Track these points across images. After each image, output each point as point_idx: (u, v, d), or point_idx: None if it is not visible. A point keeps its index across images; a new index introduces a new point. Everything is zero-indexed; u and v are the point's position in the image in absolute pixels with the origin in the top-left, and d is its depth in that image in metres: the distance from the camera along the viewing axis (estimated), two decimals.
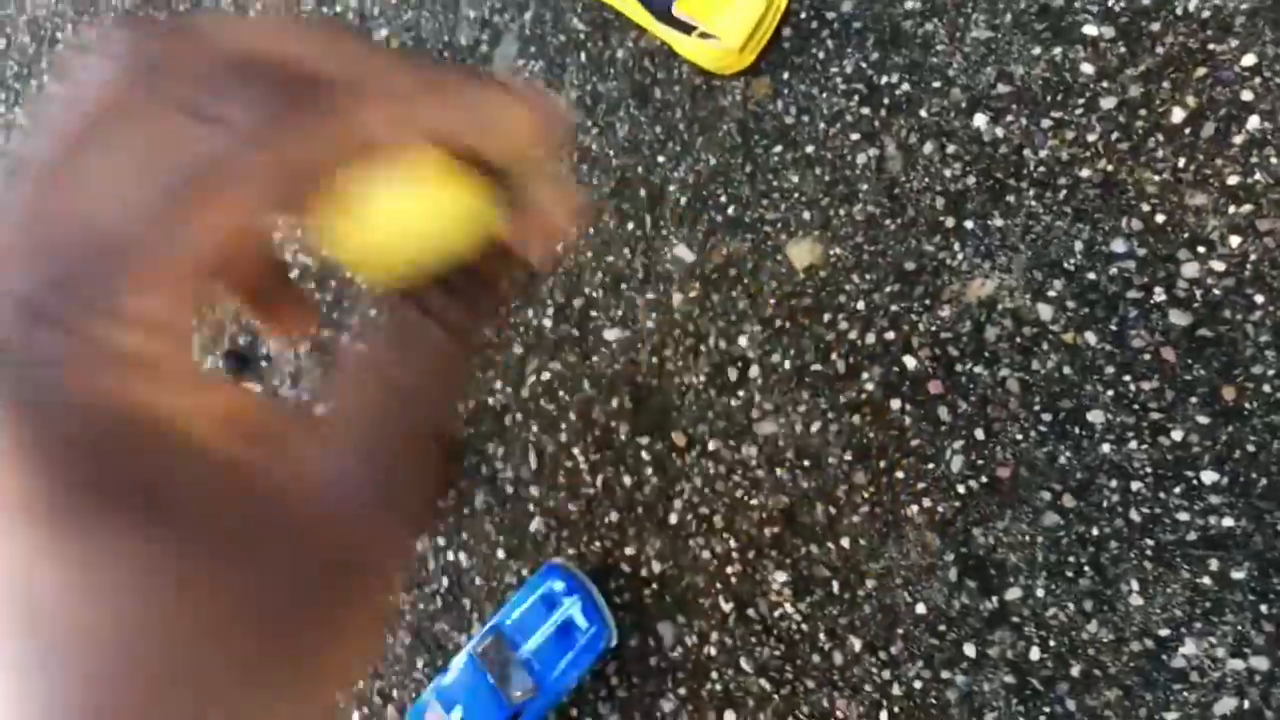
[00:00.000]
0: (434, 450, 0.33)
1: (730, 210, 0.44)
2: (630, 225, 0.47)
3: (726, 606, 0.44)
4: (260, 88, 0.24)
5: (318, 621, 0.32)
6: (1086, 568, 0.37)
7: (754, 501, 0.44)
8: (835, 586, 0.42)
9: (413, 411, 0.33)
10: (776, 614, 0.43)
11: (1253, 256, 0.34)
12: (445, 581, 0.52)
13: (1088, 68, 0.37)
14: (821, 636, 0.42)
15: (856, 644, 0.41)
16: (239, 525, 0.30)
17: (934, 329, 0.40)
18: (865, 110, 0.41)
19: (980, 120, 0.39)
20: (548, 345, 0.49)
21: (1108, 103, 0.37)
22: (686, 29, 0.43)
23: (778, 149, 0.43)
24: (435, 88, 0.28)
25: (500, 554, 0.51)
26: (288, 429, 0.33)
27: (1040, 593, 0.38)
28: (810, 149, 0.42)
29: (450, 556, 0.52)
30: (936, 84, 0.40)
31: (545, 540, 0.49)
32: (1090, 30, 0.37)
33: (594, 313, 0.48)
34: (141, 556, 0.29)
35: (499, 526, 0.51)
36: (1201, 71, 0.35)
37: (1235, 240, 0.35)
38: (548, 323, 0.49)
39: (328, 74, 0.24)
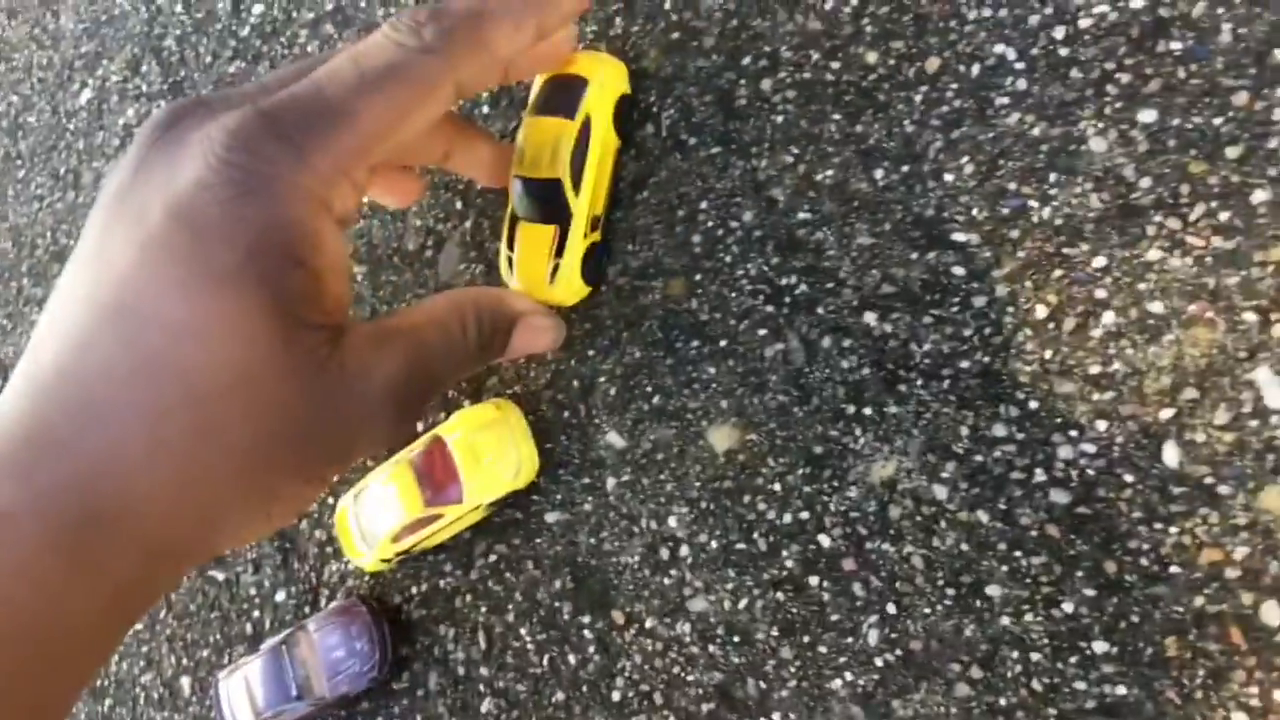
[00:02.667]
0: (419, 415, 0.38)
1: (655, 399, 0.48)
2: (565, 413, 0.50)
3: None
4: (430, 23, 0.34)
5: (326, 460, 0.34)
6: None
7: (690, 678, 0.46)
8: None
9: (425, 381, 0.37)
10: None
11: (1119, 439, 0.38)
12: None
13: (959, 270, 0.41)
14: None
15: None
16: (316, 374, 0.32)
17: (844, 509, 0.43)
18: (769, 308, 0.45)
19: (870, 317, 0.43)
20: (494, 528, 0.52)
21: (979, 300, 0.41)
22: (512, 243, 0.48)
23: (695, 343, 0.47)
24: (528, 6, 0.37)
25: None
26: (371, 329, 0.36)
27: None
28: (724, 343, 0.46)
29: None
30: (830, 285, 0.44)
31: None
32: (959, 236, 0.41)
33: (535, 496, 0.51)
34: (258, 350, 0.31)
35: (451, 708, 0.52)
36: (1059, 273, 0.39)
37: (1102, 424, 0.38)
38: (491, 509, 0.52)
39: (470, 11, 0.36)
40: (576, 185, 0.46)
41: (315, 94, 0.33)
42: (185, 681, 0.62)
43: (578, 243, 0.46)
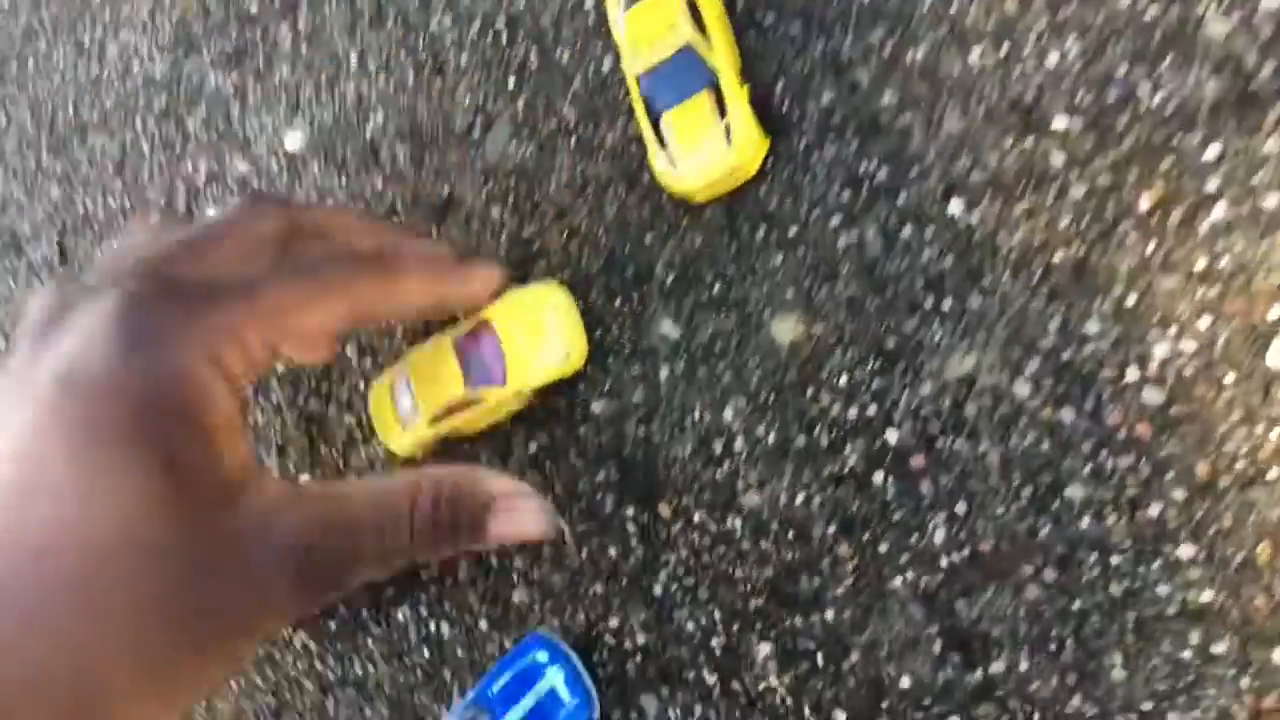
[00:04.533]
0: (348, 586, 0.34)
1: (715, 288, 0.46)
2: (618, 301, 0.48)
3: (710, 679, 0.45)
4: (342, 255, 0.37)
5: (221, 633, 0.33)
6: (1069, 641, 0.38)
7: (739, 573, 0.44)
8: (820, 659, 0.42)
9: (334, 565, 0.34)
10: (761, 687, 0.43)
11: (1221, 337, 0.36)
12: (426, 653, 0.52)
13: (1057, 157, 0.39)
14: (807, 711, 0.42)
15: (842, 718, 0.42)
16: (207, 534, 0.32)
17: (915, 405, 0.41)
18: (845, 196, 0.43)
19: (956, 206, 0.41)
20: (536, 418, 0.50)
21: (1078, 191, 0.38)
22: (664, 143, 0.44)
23: (761, 230, 0.44)
24: (443, 269, 0.40)
25: (483, 625, 0.51)
26: (279, 488, 0.34)
27: (1024, 666, 0.38)
28: (793, 230, 0.44)
29: (432, 628, 0.52)
30: (914, 172, 0.41)
31: (529, 611, 0.49)
32: (1059, 123, 0.39)
33: (581, 386, 0.49)
34: (143, 509, 0.30)
35: (482, 597, 0.51)
36: (1167, 163, 0.37)
37: (1204, 321, 0.36)
38: (535, 396, 0.50)
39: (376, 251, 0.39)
40: (708, 42, 0.43)
41: (218, 268, 0.34)
42: None
43: (737, 93, 0.43)
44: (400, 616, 0.53)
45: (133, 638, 0.30)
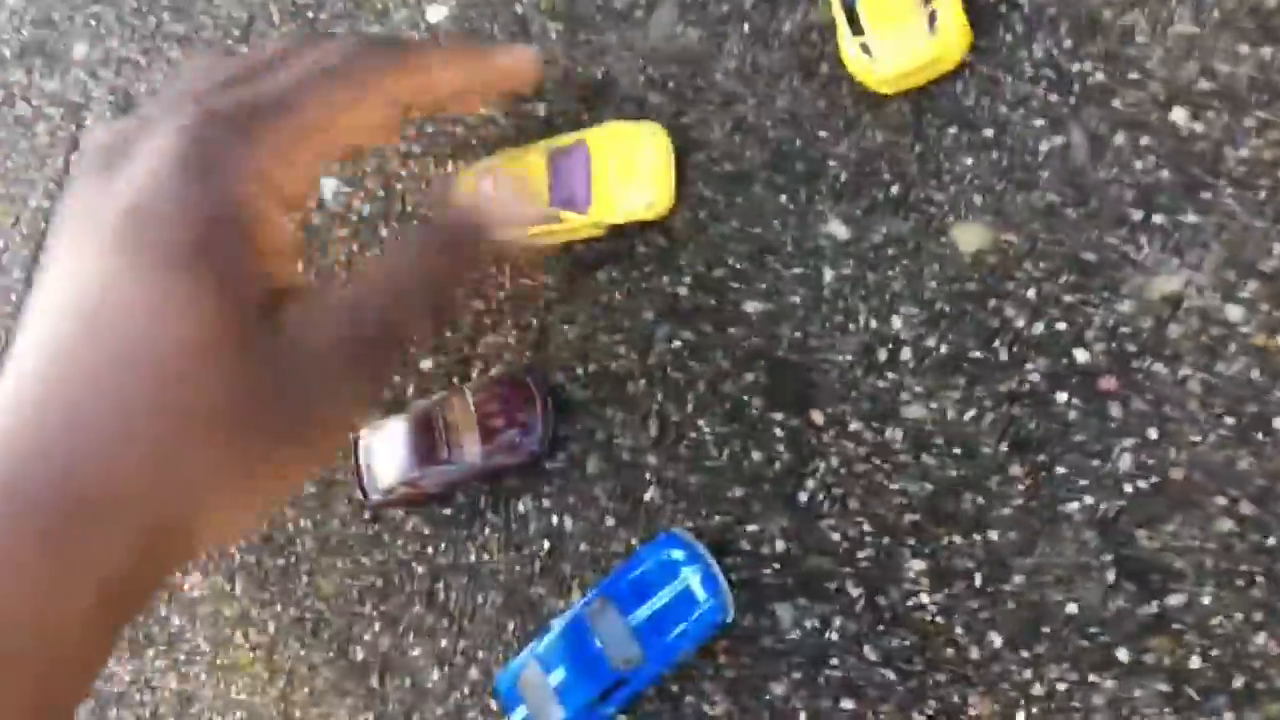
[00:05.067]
0: (400, 354, 0.37)
1: (894, 189, 0.43)
2: (783, 198, 0.46)
3: (854, 592, 0.43)
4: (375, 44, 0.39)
5: (293, 428, 0.35)
6: (1259, 578, 0.36)
7: (894, 486, 0.43)
8: (978, 580, 0.41)
9: (381, 332, 0.37)
10: (909, 603, 0.42)
11: None
12: (546, 545, 0.51)
13: None
14: (959, 630, 0.41)
15: (997, 640, 0.40)
16: (265, 330, 0.34)
17: (1111, 323, 0.39)
18: (1053, 97, 0.40)
19: (1179, 114, 0.38)
20: (681, 313, 0.48)
21: None
22: (858, 29, 0.42)
23: (952, 130, 0.42)
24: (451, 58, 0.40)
25: (609, 521, 0.49)
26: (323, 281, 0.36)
27: (1206, 600, 0.37)
28: (989, 132, 0.41)
29: (554, 520, 0.51)
30: (1134, 76, 0.39)
31: (660, 511, 0.48)
32: None
33: (735, 284, 0.47)
34: (216, 324, 0.32)
35: (610, 493, 0.50)
36: None
37: None
38: (683, 290, 0.48)
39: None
40: None
41: (259, 90, 0.35)
42: None
43: None
44: (521, 507, 0.52)
45: (212, 439, 0.32)
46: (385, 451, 0.53)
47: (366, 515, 0.57)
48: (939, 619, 0.41)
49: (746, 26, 0.48)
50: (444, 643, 0.54)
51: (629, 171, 0.46)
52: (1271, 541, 0.36)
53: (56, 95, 0.78)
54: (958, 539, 0.41)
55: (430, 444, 0.51)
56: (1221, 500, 0.36)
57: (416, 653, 0.55)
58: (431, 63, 0.41)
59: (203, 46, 0.69)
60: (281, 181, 0.35)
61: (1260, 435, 0.36)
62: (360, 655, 0.57)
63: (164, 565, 0.33)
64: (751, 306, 0.47)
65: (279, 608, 0.60)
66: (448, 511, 0.54)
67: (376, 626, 0.56)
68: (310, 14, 0.63)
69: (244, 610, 0.62)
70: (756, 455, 0.46)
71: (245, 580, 0.62)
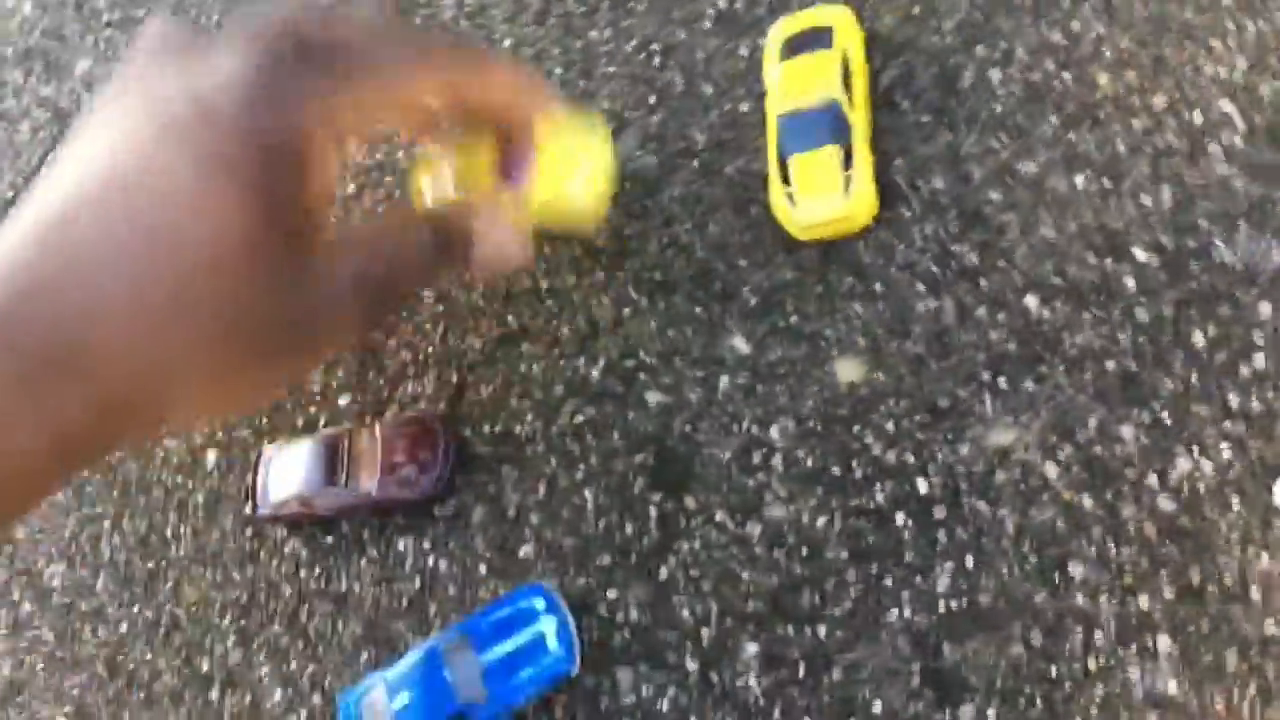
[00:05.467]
0: (400, 303, 0.34)
1: (794, 319, 0.50)
2: (698, 309, 0.52)
3: (691, 665, 0.47)
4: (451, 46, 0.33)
5: (292, 346, 0.36)
6: (1039, 701, 0.41)
7: (746, 575, 0.47)
8: (802, 670, 0.45)
9: (385, 284, 0.40)
10: (739, 683, 0.46)
11: (1236, 468, 0.40)
12: (417, 583, 0.54)
13: (1131, 282, 0.44)
14: (777, 714, 0.45)
15: None
16: (296, 261, 0.35)
17: (950, 462, 0.45)
18: (935, 268, 0.48)
19: (1031, 300, 0.46)
20: (590, 392, 0.53)
21: (1142, 314, 0.43)
22: (787, 180, 0.49)
23: (850, 279, 0.49)
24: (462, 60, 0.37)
25: (482, 569, 0.53)
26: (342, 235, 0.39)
27: (992, 714, 0.41)
28: (879, 286, 0.48)
29: (430, 561, 0.54)
30: (1001, 263, 0.46)
31: (531, 566, 0.52)
32: (1140, 254, 0.44)
33: (642, 375, 0.53)
34: (252, 235, 0.33)
35: (489, 543, 0.53)
36: (1225, 310, 0.42)
37: (1226, 452, 0.41)
38: (595, 373, 0.53)
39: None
40: (850, 106, 0.49)
41: (350, 34, 0.40)
42: (212, 455, 0.63)
43: (865, 154, 0.48)
44: (401, 545, 0.55)
45: (219, 336, 0.34)
46: (286, 467, 0.55)
47: (248, 532, 0.59)
48: (761, 700, 0.45)
49: (696, 163, 0.55)
50: (294, 665, 0.56)
51: (571, 165, 0.52)
52: (1054, 671, 0.41)
53: (49, 100, 0.82)
54: (791, 630, 0.45)
55: (331, 467, 0.54)
56: (1018, 627, 0.42)
57: (264, 671, 0.56)
58: (498, 67, 0.46)
59: None
60: (345, 128, 0.38)
61: (1057, 576, 0.42)
62: (206, 666, 0.58)
63: (122, 435, 0.35)
64: (653, 397, 0.52)
65: (136, 609, 0.61)
66: (330, 539, 0.57)
67: (230, 640, 0.58)
68: None
69: (100, 606, 0.62)
70: (629, 528, 0.50)
71: (110, 577, 0.63)
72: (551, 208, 0.51)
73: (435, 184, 0.54)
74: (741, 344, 0.51)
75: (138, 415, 0.35)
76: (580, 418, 0.53)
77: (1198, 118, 0.45)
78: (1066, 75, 0.48)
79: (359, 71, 0.38)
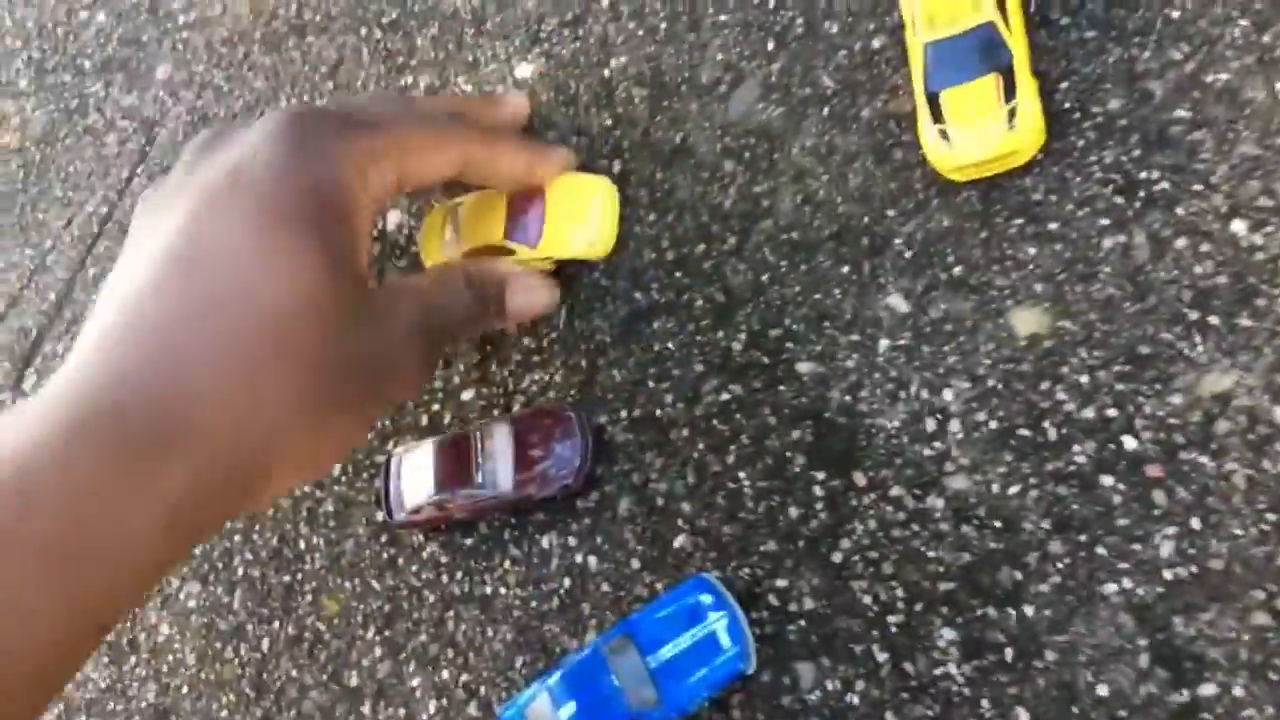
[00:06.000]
0: (437, 361, 0.44)
1: (956, 270, 0.45)
2: (845, 269, 0.48)
3: (881, 656, 0.43)
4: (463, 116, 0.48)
5: (366, 388, 0.37)
6: None
7: (932, 554, 0.43)
8: (1009, 654, 0.41)
9: (438, 330, 0.42)
10: (937, 672, 0.42)
11: None
12: (567, 582, 0.51)
13: None
14: (985, 704, 0.41)
15: (1024, 717, 0.40)
16: (361, 301, 0.36)
17: (1161, 414, 0.40)
18: (1119, 200, 0.43)
19: (1239, 226, 0.40)
20: (733, 368, 0.50)
21: None
22: (939, 116, 0.45)
23: (1018, 221, 0.44)
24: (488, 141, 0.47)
25: (635, 564, 0.50)
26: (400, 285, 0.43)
27: (1239, 692, 0.37)
28: (1054, 226, 0.43)
29: (578, 558, 0.51)
30: (1198, 187, 0.41)
31: (689, 558, 0.48)
32: None
33: (790, 344, 0.48)
34: (311, 279, 0.34)
35: (639, 536, 0.50)
36: None
37: None
38: (737, 346, 0.50)
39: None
40: (1007, 25, 0.44)
41: (356, 112, 0.41)
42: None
43: (1028, 79, 0.43)
44: (545, 543, 0.52)
45: (300, 389, 0.34)
46: (415, 471, 0.53)
47: (383, 539, 0.57)
48: (966, 691, 0.41)
49: (826, 110, 0.51)
50: (445, 674, 0.53)
51: (579, 217, 0.52)
52: None
53: (133, 110, 0.81)
54: (992, 612, 0.41)
55: (464, 466, 0.51)
56: (1259, 594, 0.37)
57: (415, 683, 0.54)
58: (507, 143, 0.49)
59: (288, 79, 0.72)
60: (371, 178, 0.39)
61: None
62: (355, 681, 0.56)
63: (232, 503, 0.34)
64: (804, 368, 0.48)
65: (276, 625, 0.59)
66: (469, 541, 0.54)
67: (377, 652, 0.56)
68: (400, 59, 0.66)
69: (239, 624, 0.61)
70: (793, 511, 0.46)
71: (246, 593, 0.61)
72: (560, 252, 0.50)
73: (451, 236, 0.54)
74: (899, 302, 0.46)
75: (243, 479, 0.34)
76: (725, 395, 0.50)
77: None
78: None
79: (384, 135, 0.38)
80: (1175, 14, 0.44)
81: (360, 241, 0.37)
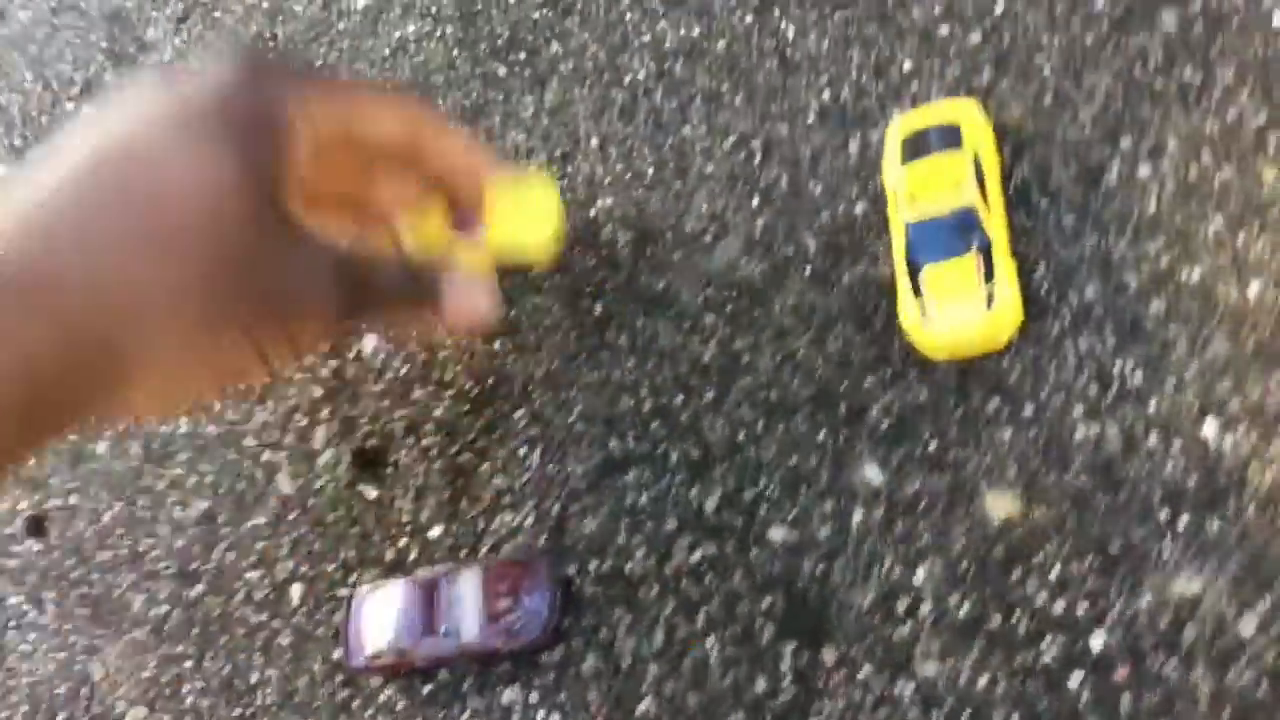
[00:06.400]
0: (348, 321, 0.36)
1: (932, 446, 0.45)
2: (822, 434, 0.48)
3: None
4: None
5: (266, 320, 0.33)
6: None
7: None
8: None
9: (356, 288, 0.37)
10: None
11: None
12: None
13: None
14: None
15: None
16: (278, 230, 0.33)
17: (1130, 614, 0.40)
18: (1093, 389, 0.43)
19: (1210, 427, 0.41)
20: (706, 527, 0.49)
21: None
22: (919, 291, 0.45)
23: (994, 400, 0.45)
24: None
25: None
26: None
27: None
28: (1029, 410, 0.44)
29: (539, 715, 0.50)
30: (1172, 383, 0.42)
31: None
32: None
33: (764, 508, 0.48)
34: (232, 196, 0.32)
35: (604, 697, 0.49)
36: None
37: None
38: (711, 504, 0.49)
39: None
40: (987, 209, 0.44)
41: (319, 70, 0.39)
42: (297, 590, 0.59)
43: (1007, 261, 0.44)
44: (506, 698, 0.51)
45: (179, 284, 0.33)
46: (379, 613, 0.52)
47: (339, 678, 0.56)
48: None
49: (808, 270, 0.51)
50: None
51: (521, 214, 0.51)
52: None
53: None
54: None
55: (429, 614, 0.50)
56: None
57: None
58: (456, 132, 0.47)
59: None
60: (319, 116, 0.38)
61: None
62: None
63: (90, 392, 0.34)
64: (778, 534, 0.48)
65: None
66: (428, 688, 0.53)
67: None
68: None
69: None
70: (761, 684, 0.46)
71: None
72: (505, 252, 0.50)
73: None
74: (875, 473, 0.46)
75: (103, 368, 0.34)
76: (697, 555, 0.49)
77: None
78: (1227, 169, 0.44)
79: (333, 86, 0.37)
80: (1151, 207, 0.45)
81: (288, 170, 0.37)
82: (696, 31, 0.59)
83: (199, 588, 0.62)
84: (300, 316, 0.40)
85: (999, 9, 0.51)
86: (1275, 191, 0.43)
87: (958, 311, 0.44)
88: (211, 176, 0.33)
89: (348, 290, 0.41)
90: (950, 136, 0.46)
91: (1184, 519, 0.40)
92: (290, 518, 0.61)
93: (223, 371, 0.39)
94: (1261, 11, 0.45)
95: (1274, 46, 0.45)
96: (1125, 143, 0.46)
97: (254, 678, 0.58)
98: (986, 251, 0.44)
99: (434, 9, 0.70)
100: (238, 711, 0.58)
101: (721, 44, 0.58)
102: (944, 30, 0.51)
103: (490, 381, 0.57)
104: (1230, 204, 0.43)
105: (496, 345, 0.58)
